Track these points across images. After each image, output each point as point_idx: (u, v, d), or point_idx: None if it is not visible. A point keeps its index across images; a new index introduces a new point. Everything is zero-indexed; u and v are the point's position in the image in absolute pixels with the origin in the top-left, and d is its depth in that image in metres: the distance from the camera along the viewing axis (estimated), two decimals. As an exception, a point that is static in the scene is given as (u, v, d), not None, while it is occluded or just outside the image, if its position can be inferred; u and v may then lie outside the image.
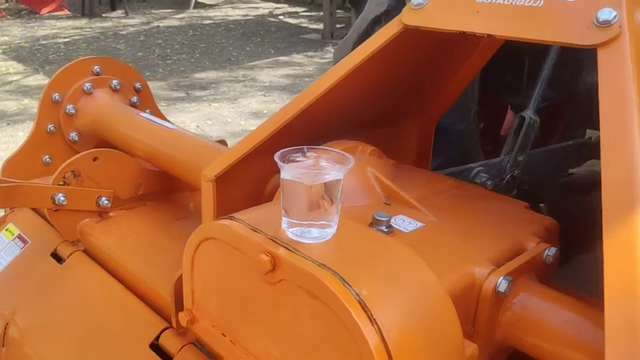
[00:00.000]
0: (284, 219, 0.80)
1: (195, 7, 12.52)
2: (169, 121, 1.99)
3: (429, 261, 0.87)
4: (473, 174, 2.17)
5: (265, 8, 12.68)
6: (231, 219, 0.86)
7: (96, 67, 1.85)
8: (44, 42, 9.07)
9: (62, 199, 1.50)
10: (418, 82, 1.36)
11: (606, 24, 0.83)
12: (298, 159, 0.81)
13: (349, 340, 0.69)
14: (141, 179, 1.64)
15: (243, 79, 7.11)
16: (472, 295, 0.87)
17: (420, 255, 0.86)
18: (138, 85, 1.96)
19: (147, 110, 1.97)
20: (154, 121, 1.69)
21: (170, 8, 12.59)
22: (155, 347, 1.21)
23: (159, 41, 9.20)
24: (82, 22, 10.98)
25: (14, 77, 6.97)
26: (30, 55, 8.15)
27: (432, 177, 1.25)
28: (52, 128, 1.82)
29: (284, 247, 0.78)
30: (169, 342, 1.19)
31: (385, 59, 1.11)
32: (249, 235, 0.81)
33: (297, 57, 8.28)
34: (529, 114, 2.06)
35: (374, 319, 0.69)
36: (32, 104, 5.83)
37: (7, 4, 12.76)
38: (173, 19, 11.39)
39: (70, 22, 10.91)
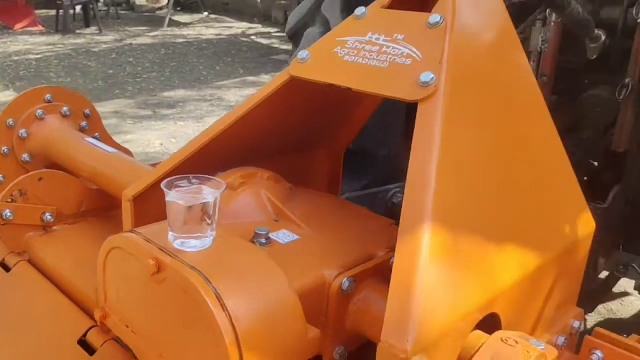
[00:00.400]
0: (169, 232, 1.02)
1: (169, 25, 12.74)
2: (116, 143, 2.22)
3: (292, 265, 1.10)
4: (390, 194, 2.42)
5: (238, 27, 12.96)
6: (132, 232, 1.08)
7: (47, 95, 2.06)
8: (16, 57, 9.18)
9: (8, 214, 1.69)
10: (319, 118, 1.60)
11: (425, 84, 1.08)
12: (183, 185, 1.04)
13: (208, 326, 0.91)
14: (83, 197, 1.84)
15: (210, 98, 7.34)
16: (324, 293, 1.10)
17: (287, 260, 1.10)
18: (87, 111, 2.17)
19: (96, 134, 2.19)
20: (95, 145, 1.90)
21: (144, 25, 12.80)
22: (82, 342, 1.41)
23: (131, 59, 9.39)
24: (55, 38, 11.10)
25: (-17, 93, 7.09)
26: (1, 71, 8.26)
27: (322, 198, 1.48)
28: (5, 150, 2.01)
29: (167, 254, 1.00)
30: (94, 338, 1.39)
31: (282, 99, 1.35)
32: (142, 245, 1.03)
33: (264, 78, 8.54)
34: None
35: (226, 308, 0.91)
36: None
37: (-20, 18, 12.80)
38: (146, 37, 11.58)
39: (43, 38, 11.02)
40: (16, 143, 2.02)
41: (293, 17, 2.63)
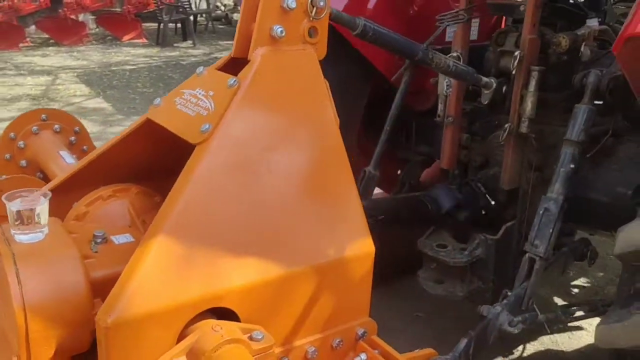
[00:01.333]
0: (11, 229, 1.46)
1: (257, 40, 13.57)
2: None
3: (109, 258, 1.49)
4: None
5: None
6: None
7: (43, 115, 2.62)
8: (114, 68, 10.36)
9: (-13, 206, 2.25)
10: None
11: (203, 132, 1.43)
12: (26, 195, 1.47)
13: (9, 295, 1.33)
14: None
15: (268, 112, 7.88)
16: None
17: (109, 255, 1.50)
18: (76, 128, 2.72)
19: (84, 147, 2.73)
20: (62, 157, 2.42)
21: (235, 40, 13.73)
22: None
23: (210, 72, 10.22)
24: (154, 50, 12.29)
25: (77, 99, 8.16)
26: (98, 80, 9.40)
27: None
28: (8, 156, 2.60)
29: (4, 243, 1.43)
30: None
31: (145, 134, 1.75)
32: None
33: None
34: (370, 169, 2.60)
35: (21, 283, 1.32)
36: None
37: (97, 29, 14.47)
38: (233, 51, 12.46)
39: (143, 50, 12.26)
40: (16, 152, 2.60)
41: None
